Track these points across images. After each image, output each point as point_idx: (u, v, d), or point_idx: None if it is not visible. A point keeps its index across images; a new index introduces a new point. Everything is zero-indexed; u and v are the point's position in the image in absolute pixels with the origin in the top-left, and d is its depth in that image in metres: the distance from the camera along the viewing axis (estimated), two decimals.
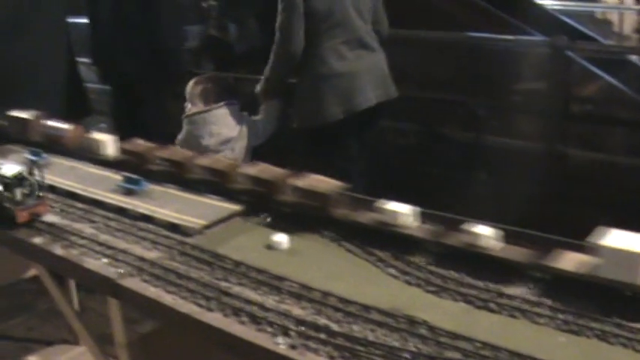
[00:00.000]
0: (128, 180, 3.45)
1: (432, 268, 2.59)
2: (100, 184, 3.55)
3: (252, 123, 5.28)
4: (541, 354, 2.05)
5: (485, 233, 2.57)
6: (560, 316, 2.24)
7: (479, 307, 2.35)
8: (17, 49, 5.71)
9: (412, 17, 5.89)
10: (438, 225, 2.74)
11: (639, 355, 2.07)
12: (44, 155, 3.90)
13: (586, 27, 6.35)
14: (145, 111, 5.96)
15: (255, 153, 5.24)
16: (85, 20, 6.46)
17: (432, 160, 5.93)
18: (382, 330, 2.23)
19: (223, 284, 2.56)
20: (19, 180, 3.10)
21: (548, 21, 6.16)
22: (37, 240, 3.07)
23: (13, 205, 3.11)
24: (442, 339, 2.14)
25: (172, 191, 3.41)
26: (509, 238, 2.58)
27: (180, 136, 5.18)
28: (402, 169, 5.85)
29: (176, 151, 3.65)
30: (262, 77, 5.12)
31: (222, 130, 5.11)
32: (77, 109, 6.01)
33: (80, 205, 3.36)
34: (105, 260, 2.82)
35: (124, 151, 3.79)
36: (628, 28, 10.28)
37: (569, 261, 2.43)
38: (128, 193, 3.40)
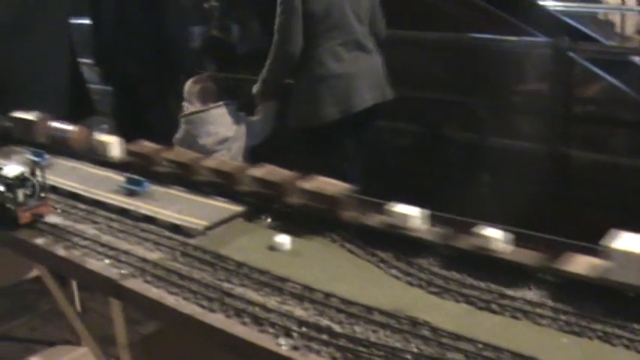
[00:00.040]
0: (130, 181, 3.45)
1: (440, 270, 2.58)
2: (102, 185, 3.55)
3: (250, 123, 5.29)
4: (543, 355, 2.05)
5: (495, 236, 2.55)
6: (563, 317, 2.24)
7: (481, 309, 2.35)
8: (21, 50, 5.72)
9: (413, 18, 5.89)
10: (448, 228, 2.72)
11: None
12: (46, 156, 3.90)
13: (588, 28, 6.34)
14: (148, 112, 5.96)
15: (252, 153, 5.25)
16: (87, 21, 6.47)
17: (434, 161, 5.93)
18: (384, 331, 2.23)
19: (226, 285, 2.56)
20: (21, 181, 3.10)
21: (549, 21, 6.16)
22: (40, 241, 3.07)
23: (15, 205, 3.11)
24: (444, 340, 2.14)
25: (175, 192, 3.41)
26: (519, 240, 2.56)
27: (177, 136, 5.19)
28: (405, 170, 5.85)
29: (182, 153, 3.64)
30: (259, 78, 5.14)
31: (220, 130, 5.12)
32: (80, 110, 6.01)
33: (82, 206, 3.36)
34: (107, 261, 2.83)
35: (129, 152, 3.78)
36: (630, 29, 10.28)
37: (580, 264, 2.41)
38: (130, 194, 3.40)
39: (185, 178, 3.47)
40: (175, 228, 3.04)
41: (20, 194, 3.11)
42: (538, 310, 2.29)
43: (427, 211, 2.78)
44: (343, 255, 2.76)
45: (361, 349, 2.15)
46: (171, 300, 2.53)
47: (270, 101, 5.30)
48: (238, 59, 6.81)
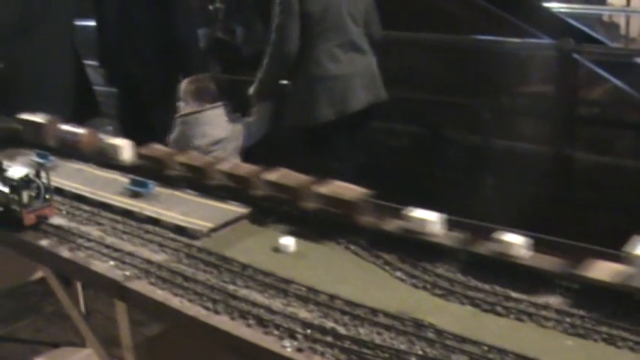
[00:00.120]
0: (135, 183, 3.45)
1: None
2: (107, 186, 3.55)
3: (245, 124, 5.30)
4: (548, 357, 2.05)
5: (515, 242, 2.52)
6: (568, 319, 2.23)
7: (486, 311, 2.35)
8: (25, 50, 5.73)
9: (414, 18, 5.90)
10: (465, 233, 2.69)
11: None
12: (51, 158, 3.90)
13: (592, 29, 6.34)
14: (151, 113, 5.96)
15: (247, 153, 5.27)
16: (92, 23, 6.48)
17: (438, 163, 5.93)
18: (389, 333, 2.23)
19: (230, 287, 2.56)
20: (26, 182, 3.11)
21: (552, 22, 6.16)
22: (44, 242, 3.07)
23: (20, 207, 3.12)
24: (449, 342, 2.14)
25: (179, 194, 3.41)
26: (538, 246, 2.53)
27: (172, 136, 5.20)
28: (409, 172, 5.85)
29: (195, 157, 3.59)
30: (256, 78, 5.17)
31: (214, 131, 5.13)
32: (85, 111, 6.02)
33: (87, 208, 3.36)
34: (112, 263, 2.83)
35: (140, 155, 3.75)
36: (635, 30, 10.28)
37: (602, 270, 2.37)
38: (135, 195, 3.40)
39: (197, 181, 3.43)
40: (180, 230, 3.04)
41: (25, 196, 3.11)
42: (543, 313, 2.28)
43: (444, 216, 2.75)
44: (348, 257, 2.76)
45: (366, 351, 2.15)
46: (175, 302, 2.53)
47: (266, 102, 5.32)
48: (243, 61, 6.81)
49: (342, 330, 2.26)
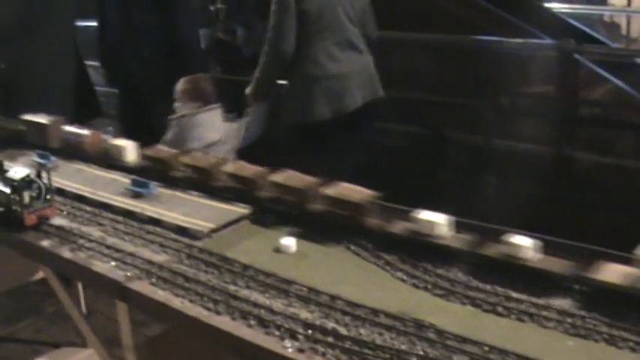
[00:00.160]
0: (136, 183, 3.45)
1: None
2: (108, 187, 3.55)
3: (239, 125, 5.32)
4: (549, 358, 2.05)
5: (524, 244, 2.50)
6: (569, 319, 2.23)
7: (486, 311, 2.35)
8: (26, 51, 5.73)
9: (415, 18, 5.91)
10: (474, 235, 2.67)
11: None
12: (52, 158, 3.90)
13: (593, 29, 6.34)
14: (152, 114, 5.97)
15: (244, 152, 5.28)
16: (93, 23, 6.49)
17: (438, 164, 5.93)
18: (390, 333, 2.23)
19: (231, 287, 2.56)
20: (27, 183, 3.11)
21: (553, 22, 6.16)
22: (45, 243, 3.07)
23: (21, 208, 3.12)
24: (450, 342, 2.14)
25: (181, 194, 3.41)
26: (547, 248, 2.52)
27: (166, 137, 5.21)
28: (411, 173, 5.85)
29: (200, 158, 3.57)
30: (252, 78, 5.19)
31: (208, 134, 5.15)
32: (86, 111, 6.03)
33: (88, 208, 3.36)
34: (113, 263, 2.83)
35: (145, 157, 3.74)
36: (635, 30, 10.28)
37: (611, 272, 2.35)
38: (136, 196, 3.40)
39: (202, 183, 3.41)
40: (181, 230, 3.04)
41: (26, 196, 3.11)
42: (544, 313, 2.28)
43: (453, 218, 2.73)
44: (349, 257, 2.76)
45: (367, 351, 2.15)
46: (176, 302, 2.53)
47: (263, 102, 5.33)
48: (244, 61, 6.83)
49: (343, 330, 2.26)
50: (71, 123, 4.17)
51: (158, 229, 3.08)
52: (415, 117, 6.15)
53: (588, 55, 5.30)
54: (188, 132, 5.12)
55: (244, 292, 2.52)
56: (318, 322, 2.31)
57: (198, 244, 2.91)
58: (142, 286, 2.65)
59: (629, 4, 11.00)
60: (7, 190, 3.15)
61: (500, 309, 2.34)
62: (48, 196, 3.17)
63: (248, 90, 5.29)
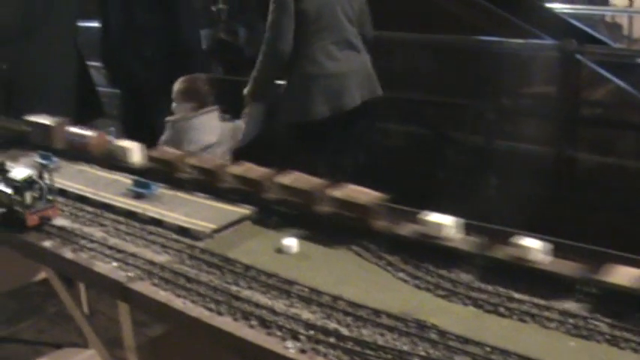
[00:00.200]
0: (138, 184, 3.45)
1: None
2: (110, 187, 3.55)
3: (234, 127, 5.34)
4: (551, 359, 2.05)
5: (533, 246, 2.48)
6: (571, 320, 2.23)
7: (488, 312, 2.35)
8: (28, 52, 5.74)
9: (416, 18, 5.92)
10: (483, 237, 2.65)
11: None
12: (54, 159, 3.90)
13: (595, 30, 6.34)
14: (153, 114, 5.98)
15: (240, 152, 5.30)
16: (96, 24, 6.50)
17: (440, 164, 5.93)
18: (392, 334, 2.23)
19: (233, 288, 2.56)
20: (29, 183, 3.11)
21: (554, 23, 6.16)
22: (47, 243, 3.07)
23: (23, 208, 3.12)
24: (452, 343, 2.14)
25: (182, 195, 3.41)
26: (558, 251, 2.50)
27: (163, 138, 5.23)
28: (415, 173, 5.85)
29: (207, 159, 3.55)
30: (250, 78, 5.20)
31: (202, 137, 5.18)
32: (88, 112, 6.03)
33: (90, 209, 3.36)
34: (115, 264, 2.83)
35: (151, 158, 3.73)
36: (637, 31, 10.28)
37: (622, 275, 2.33)
38: (138, 196, 3.40)
39: (209, 184, 3.39)
40: (183, 231, 3.04)
41: (28, 197, 3.11)
42: (546, 314, 2.28)
43: (461, 220, 2.71)
44: (350, 258, 2.76)
45: (369, 352, 2.15)
46: (178, 303, 2.53)
47: (259, 103, 5.34)
48: (246, 62, 6.83)
49: (344, 331, 2.26)
50: (75, 124, 4.17)
51: (160, 230, 3.08)
52: (417, 117, 6.15)
53: (590, 55, 5.29)
54: (184, 134, 5.14)
55: (246, 293, 2.52)
56: (319, 323, 2.31)
57: (200, 244, 2.92)
58: (144, 287, 2.65)
59: (630, 5, 11.00)
60: (9, 191, 3.15)
61: (502, 309, 2.33)
62: (50, 197, 3.17)
63: (246, 90, 5.31)
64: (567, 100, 5.31)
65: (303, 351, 2.21)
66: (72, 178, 3.71)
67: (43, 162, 3.84)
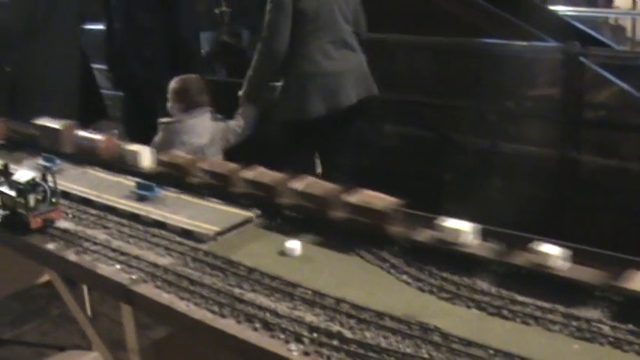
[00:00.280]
0: (141, 186, 3.45)
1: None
2: (113, 190, 3.56)
3: (225, 127, 5.39)
4: None
5: (552, 252, 2.45)
6: (574, 323, 2.23)
7: (492, 314, 2.34)
8: (31, 54, 5.75)
9: (417, 19, 5.93)
10: (501, 243, 2.61)
11: None
12: (58, 161, 3.90)
13: (599, 32, 6.34)
14: (153, 114, 6.00)
15: (233, 151, 5.34)
16: (101, 27, 6.52)
17: (443, 166, 5.93)
18: (395, 337, 2.22)
19: (236, 290, 2.56)
20: (32, 186, 3.11)
21: (558, 25, 6.16)
22: (51, 246, 3.07)
23: (26, 211, 3.12)
24: (455, 346, 2.14)
25: (185, 197, 3.41)
26: (576, 257, 2.47)
27: (155, 139, 5.27)
28: (418, 175, 5.86)
29: (219, 163, 3.53)
30: (245, 79, 5.24)
31: (193, 140, 5.23)
32: (91, 114, 6.05)
33: (93, 212, 3.36)
34: (118, 266, 2.83)
35: (161, 163, 3.70)
36: None
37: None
38: (141, 199, 3.40)
39: (221, 189, 3.37)
40: (186, 233, 3.04)
41: (31, 199, 3.11)
42: (549, 316, 2.28)
43: (478, 225, 2.67)
44: (354, 260, 2.76)
45: (372, 354, 2.15)
46: (181, 305, 2.53)
47: (253, 104, 5.36)
48: (248, 64, 6.84)
49: (348, 334, 2.26)
50: (82, 127, 4.17)
51: (163, 232, 3.08)
52: (416, 119, 6.15)
53: (593, 57, 5.29)
54: (176, 136, 5.20)
55: (249, 295, 2.52)
56: (323, 325, 2.30)
57: (204, 247, 2.91)
58: (147, 289, 2.65)
59: (634, 7, 10.99)
60: (13, 193, 3.16)
61: (505, 312, 2.33)
62: (53, 199, 3.17)
63: (241, 91, 5.34)
64: (571, 103, 5.31)
65: (306, 353, 2.20)
66: (75, 180, 3.71)
67: (47, 164, 3.84)
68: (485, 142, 5.83)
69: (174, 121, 5.27)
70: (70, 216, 3.32)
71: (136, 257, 2.86)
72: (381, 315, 2.32)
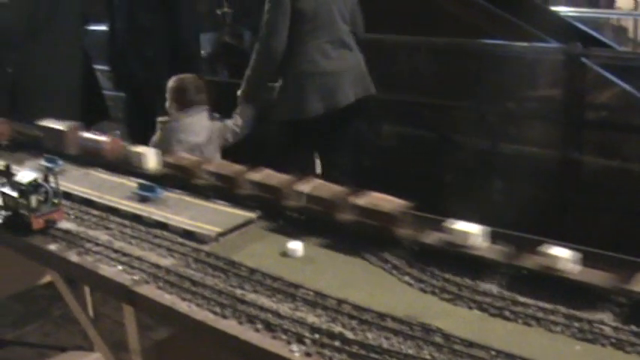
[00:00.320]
0: (143, 187, 3.46)
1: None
2: (115, 191, 3.56)
3: (222, 126, 5.43)
4: None
5: (562, 255, 2.44)
6: (576, 324, 2.23)
7: (493, 315, 2.34)
8: (33, 54, 5.76)
9: (417, 19, 5.94)
10: (510, 246, 2.59)
11: None
12: (60, 162, 3.90)
13: (600, 33, 6.33)
14: (153, 114, 6.01)
15: (230, 149, 5.34)
16: (104, 27, 6.53)
17: (444, 167, 5.93)
18: (397, 338, 2.22)
19: (238, 291, 2.56)
20: (34, 187, 3.11)
21: (560, 26, 6.16)
22: (53, 247, 3.07)
23: (28, 211, 3.12)
24: (457, 347, 2.14)
25: (187, 198, 3.41)
26: (586, 260, 2.45)
27: (153, 138, 5.30)
28: (420, 176, 5.86)
29: (225, 165, 3.51)
30: (244, 79, 5.25)
31: (190, 138, 5.28)
32: (93, 114, 6.05)
33: (95, 212, 3.36)
34: (120, 267, 2.83)
35: (167, 164, 3.70)
36: None
37: None
38: (143, 200, 3.40)
39: (227, 191, 3.36)
40: (188, 234, 3.04)
41: (33, 200, 3.12)
42: (551, 317, 2.28)
43: (488, 228, 2.66)
44: (355, 261, 2.76)
45: (374, 355, 2.15)
46: (183, 306, 2.53)
47: (251, 104, 5.37)
48: None
49: (349, 334, 2.26)
50: (84, 128, 4.17)
51: (165, 233, 3.08)
52: (417, 120, 6.15)
53: (595, 58, 5.28)
54: (173, 135, 5.24)
55: (251, 296, 2.52)
56: (324, 326, 2.30)
57: (205, 248, 2.92)
58: (149, 290, 2.65)
59: (636, 8, 10.99)
60: (15, 194, 3.16)
61: (507, 313, 2.33)
62: (55, 200, 3.18)
63: (239, 91, 5.35)
64: (572, 104, 5.30)
65: (308, 354, 2.21)
66: (77, 181, 3.72)
67: (49, 165, 3.85)
68: (487, 143, 5.82)
69: (172, 120, 5.30)
70: (72, 217, 3.33)
71: (138, 258, 2.86)
72: (382, 316, 2.33)
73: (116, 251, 2.94)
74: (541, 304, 2.35)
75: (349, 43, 5.30)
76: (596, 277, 2.39)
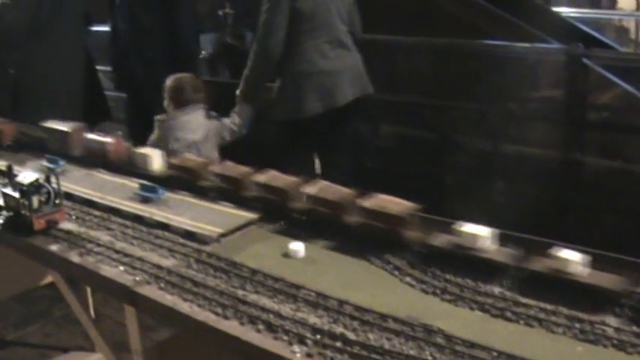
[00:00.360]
0: (145, 188, 3.46)
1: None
2: (117, 191, 3.56)
3: (220, 124, 5.47)
4: None
5: (572, 258, 2.41)
6: (578, 325, 2.23)
7: (495, 316, 2.34)
8: (35, 55, 5.76)
9: (417, 19, 5.95)
10: (519, 248, 2.57)
11: None
12: (61, 162, 3.90)
13: (602, 34, 6.33)
14: (154, 114, 6.01)
15: (227, 148, 5.36)
16: (106, 28, 6.54)
17: (446, 168, 5.93)
18: (398, 339, 2.22)
19: (240, 292, 2.56)
20: (35, 187, 3.11)
21: (561, 27, 6.16)
22: (54, 247, 3.07)
23: (30, 212, 3.12)
24: (458, 348, 2.14)
25: (189, 199, 3.41)
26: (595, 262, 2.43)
27: (151, 137, 5.33)
28: (416, 177, 5.86)
29: (231, 167, 3.47)
30: (242, 78, 5.27)
31: (187, 136, 5.31)
32: (95, 115, 6.06)
33: (97, 213, 3.36)
34: (121, 268, 2.83)
35: (172, 166, 3.67)
36: None
37: None
38: (145, 200, 3.40)
39: (233, 193, 3.34)
40: (190, 235, 3.04)
41: (35, 201, 3.12)
42: (553, 318, 2.27)
43: (497, 230, 2.64)
44: (357, 262, 2.75)
45: (375, 356, 2.15)
46: (185, 307, 2.53)
47: (250, 103, 5.38)
48: None
49: (351, 335, 2.26)
50: (89, 129, 4.17)
51: (167, 234, 3.08)
52: (419, 120, 6.15)
53: (597, 59, 5.28)
54: (170, 133, 5.27)
55: (253, 297, 2.52)
56: (326, 327, 2.30)
57: (207, 248, 2.92)
58: (151, 291, 2.65)
59: (637, 9, 10.98)
60: (16, 195, 3.16)
61: (508, 314, 2.33)
62: (57, 201, 3.18)
63: (238, 90, 5.37)
64: (574, 105, 5.30)
65: (309, 355, 2.20)
66: (79, 181, 3.72)
67: (50, 166, 3.85)
68: (488, 143, 5.83)
69: (169, 118, 5.33)
70: (74, 217, 3.33)
71: (140, 259, 2.86)
72: (384, 317, 2.32)
73: (117, 252, 2.94)
74: (543, 305, 2.34)
75: (347, 43, 5.32)
76: (606, 279, 2.37)
